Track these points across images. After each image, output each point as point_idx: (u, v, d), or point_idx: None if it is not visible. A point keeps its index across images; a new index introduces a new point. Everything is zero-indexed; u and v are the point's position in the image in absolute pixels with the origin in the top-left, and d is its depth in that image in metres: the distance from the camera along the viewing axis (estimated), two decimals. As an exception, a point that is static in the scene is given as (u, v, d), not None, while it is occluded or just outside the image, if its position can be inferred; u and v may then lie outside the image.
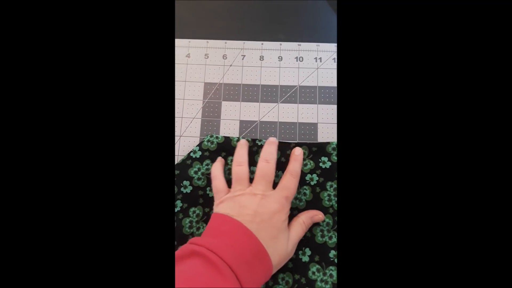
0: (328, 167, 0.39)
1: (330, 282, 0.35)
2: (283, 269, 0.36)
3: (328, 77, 0.43)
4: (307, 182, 0.38)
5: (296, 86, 0.42)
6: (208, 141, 0.40)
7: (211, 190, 0.38)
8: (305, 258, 0.36)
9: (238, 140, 0.40)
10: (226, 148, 0.40)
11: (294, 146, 0.39)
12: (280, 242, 0.32)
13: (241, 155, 0.37)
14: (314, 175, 0.38)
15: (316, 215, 0.36)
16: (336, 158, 0.39)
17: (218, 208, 0.34)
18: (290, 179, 0.35)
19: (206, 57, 0.44)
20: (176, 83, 0.43)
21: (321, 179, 0.38)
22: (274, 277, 0.36)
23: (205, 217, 0.38)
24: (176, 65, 0.43)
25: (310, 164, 0.39)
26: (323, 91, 0.42)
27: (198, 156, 0.39)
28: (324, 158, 0.39)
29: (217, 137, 0.40)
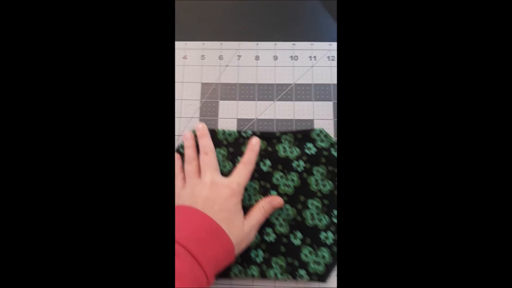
0: (313, 153, 0.40)
1: (322, 263, 0.36)
2: (276, 253, 0.37)
3: (323, 74, 0.43)
4: (294, 168, 0.39)
5: (291, 84, 0.43)
6: (195, 135, 0.40)
7: None
8: (297, 241, 0.37)
9: (223, 133, 0.41)
10: (212, 140, 0.40)
11: (279, 135, 0.40)
12: (234, 223, 0.34)
13: (189, 155, 0.38)
14: (301, 162, 0.39)
15: (275, 200, 0.37)
16: (321, 144, 0.40)
17: (175, 202, 0.36)
18: (242, 167, 0.37)
19: (203, 58, 0.45)
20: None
21: (308, 165, 0.39)
22: (268, 262, 0.37)
23: None
24: (173, 67, 0.44)
25: (296, 151, 0.40)
26: (318, 88, 0.43)
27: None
28: (309, 145, 0.40)
29: None
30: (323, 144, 0.40)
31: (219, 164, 0.39)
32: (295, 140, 0.40)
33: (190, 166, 0.38)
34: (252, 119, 0.42)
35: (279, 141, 0.40)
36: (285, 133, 0.41)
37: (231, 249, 0.33)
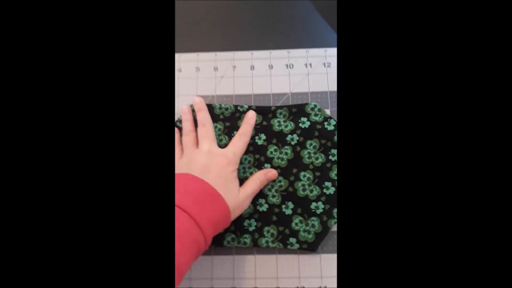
0: (307, 126, 0.41)
1: (312, 232, 0.37)
2: (268, 222, 0.38)
3: (319, 82, 0.43)
4: (288, 142, 0.40)
5: (288, 93, 0.43)
6: (193, 110, 0.41)
7: None
8: (288, 211, 0.38)
9: (220, 107, 0.42)
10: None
11: (275, 109, 0.41)
12: (230, 189, 0.35)
13: (187, 127, 0.39)
14: (295, 135, 0.40)
15: (270, 172, 0.39)
16: (315, 117, 0.41)
17: None
18: (238, 138, 0.38)
19: (197, 70, 0.44)
20: (169, 98, 0.43)
21: (301, 139, 0.40)
22: (260, 230, 0.38)
23: None
24: (168, 80, 0.44)
25: (291, 125, 0.41)
26: (315, 96, 0.42)
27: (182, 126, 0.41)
28: (304, 119, 0.41)
29: None
30: (316, 118, 0.41)
31: (216, 138, 0.40)
32: (290, 115, 0.41)
33: (187, 137, 0.39)
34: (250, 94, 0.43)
35: (274, 116, 0.41)
36: (280, 107, 0.42)
37: (228, 214, 0.33)
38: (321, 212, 0.38)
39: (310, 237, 0.37)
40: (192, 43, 0.45)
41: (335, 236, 0.38)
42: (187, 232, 0.29)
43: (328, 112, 0.42)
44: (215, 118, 0.41)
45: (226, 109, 0.42)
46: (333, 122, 0.40)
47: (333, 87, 0.43)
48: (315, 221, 0.38)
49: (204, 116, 0.39)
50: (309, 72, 0.44)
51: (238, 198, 0.35)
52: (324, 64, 0.44)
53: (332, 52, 0.44)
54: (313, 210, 0.38)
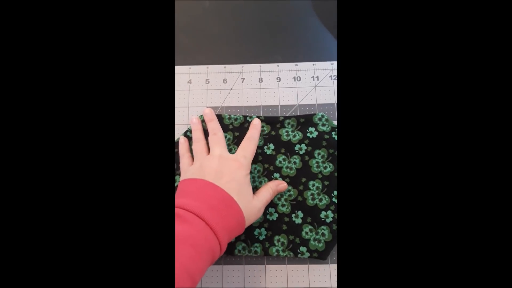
0: (315, 136, 0.41)
1: (322, 241, 0.38)
2: (278, 231, 0.38)
3: (326, 94, 0.44)
4: (296, 151, 0.41)
5: (295, 105, 0.44)
6: (202, 120, 0.42)
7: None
8: (298, 220, 0.39)
9: (229, 117, 0.43)
10: None
11: (283, 119, 0.42)
12: (243, 194, 0.34)
13: (197, 136, 0.40)
14: (303, 145, 0.41)
15: (281, 184, 0.39)
16: (322, 127, 0.42)
17: (183, 178, 0.37)
18: (247, 142, 0.39)
19: (207, 82, 0.45)
20: (179, 109, 0.44)
21: (309, 148, 0.41)
22: (270, 239, 0.38)
23: None
24: (178, 92, 0.45)
25: (299, 135, 0.42)
26: (322, 108, 0.43)
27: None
28: (311, 129, 0.42)
29: None
30: (324, 128, 0.41)
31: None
32: (298, 124, 0.42)
33: (198, 144, 0.39)
34: (258, 105, 0.44)
35: (282, 125, 0.42)
36: (288, 117, 0.42)
37: (242, 220, 0.33)
38: (330, 221, 0.38)
39: (321, 245, 0.38)
40: (202, 56, 0.47)
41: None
42: (204, 241, 0.29)
43: (335, 122, 0.42)
44: (224, 128, 0.42)
45: (236, 119, 0.43)
46: None
47: (340, 99, 0.44)
48: (325, 229, 0.38)
49: (214, 126, 0.40)
50: (316, 84, 0.45)
51: (252, 203, 0.35)
52: (331, 76, 0.45)
53: (338, 65, 0.45)
54: (322, 219, 0.38)
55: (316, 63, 0.46)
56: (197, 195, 0.32)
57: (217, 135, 0.39)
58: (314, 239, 0.38)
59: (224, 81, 0.45)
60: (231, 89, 0.45)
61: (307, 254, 0.37)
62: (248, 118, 0.43)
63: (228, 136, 0.42)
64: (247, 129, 0.42)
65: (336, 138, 0.41)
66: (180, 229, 0.29)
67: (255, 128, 0.40)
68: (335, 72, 0.45)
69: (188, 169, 0.37)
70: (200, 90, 0.45)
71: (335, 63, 0.45)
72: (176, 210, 0.30)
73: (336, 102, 0.44)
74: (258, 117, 0.42)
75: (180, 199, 0.33)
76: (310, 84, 0.45)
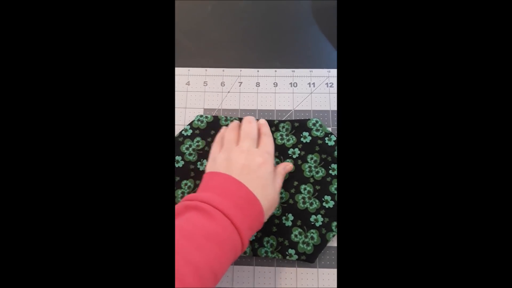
0: (308, 141, 0.42)
1: (311, 244, 0.38)
2: (268, 233, 0.39)
3: (322, 101, 0.45)
4: (290, 155, 0.42)
5: (291, 110, 0.45)
6: (199, 120, 0.44)
7: (201, 164, 0.42)
8: (288, 223, 0.39)
9: (226, 119, 0.43)
10: (215, 126, 0.43)
11: (278, 123, 0.43)
12: (267, 191, 0.35)
13: (233, 125, 0.41)
14: (296, 149, 0.42)
15: (287, 165, 0.40)
16: (316, 133, 0.42)
17: (210, 166, 0.38)
18: (266, 138, 0.39)
19: (205, 84, 0.46)
20: (177, 109, 0.45)
21: (302, 153, 0.42)
22: (260, 240, 0.38)
23: (196, 188, 0.41)
24: (176, 93, 0.46)
25: (293, 139, 0.42)
26: (317, 114, 0.44)
27: (189, 134, 0.43)
28: (305, 133, 0.43)
29: (206, 117, 0.44)
30: (318, 133, 0.42)
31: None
32: (292, 129, 0.43)
33: (231, 133, 0.40)
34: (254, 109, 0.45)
35: (277, 129, 0.43)
36: (283, 121, 0.43)
37: (262, 218, 0.34)
38: (320, 225, 0.39)
39: (309, 249, 0.38)
40: (202, 59, 0.47)
41: (334, 251, 0.39)
42: (229, 239, 0.30)
43: (329, 128, 0.43)
44: (220, 129, 0.43)
45: (232, 121, 0.43)
46: (333, 138, 0.42)
47: (335, 106, 0.44)
48: (314, 233, 0.39)
49: (250, 117, 0.41)
50: (312, 91, 0.45)
51: (274, 198, 0.36)
52: (327, 84, 0.46)
53: (335, 73, 0.46)
54: (312, 223, 0.39)
55: (313, 70, 0.46)
56: (222, 190, 0.33)
57: (252, 124, 0.40)
58: (303, 242, 0.38)
59: (222, 84, 0.46)
60: (229, 92, 0.46)
61: (295, 257, 0.38)
62: None
63: None
64: None
65: (329, 144, 0.42)
66: (207, 225, 0.29)
67: (266, 125, 0.41)
68: (331, 80, 0.46)
69: (216, 156, 0.38)
70: (198, 92, 0.46)
71: (332, 70, 0.46)
72: (201, 204, 0.31)
73: (331, 109, 0.44)
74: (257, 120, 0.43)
75: (204, 192, 0.33)
76: (306, 91, 0.45)
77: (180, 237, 0.28)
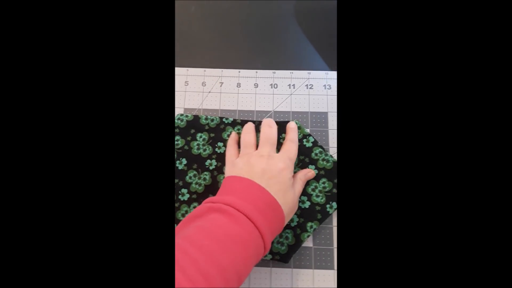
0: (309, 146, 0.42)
1: (285, 244, 0.38)
2: None
3: (301, 102, 0.45)
4: None
5: (271, 111, 0.45)
6: (179, 119, 0.44)
7: (180, 163, 0.42)
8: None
9: (206, 118, 0.44)
10: (195, 125, 0.44)
11: (258, 124, 0.43)
12: (288, 196, 0.35)
13: (248, 127, 0.41)
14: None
15: (309, 172, 0.40)
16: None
17: (230, 170, 0.37)
18: (291, 144, 0.40)
19: (186, 84, 0.46)
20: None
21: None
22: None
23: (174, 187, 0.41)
24: (157, 92, 0.46)
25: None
26: (296, 115, 0.45)
27: None
28: (284, 135, 0.42)
29: (186, 116, 0.44)
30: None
31: (200, 147, 0.42)
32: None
33: (248, 136, 0.40)
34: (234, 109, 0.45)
35: (257, 130, 0.43)
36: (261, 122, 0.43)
37: (283, 223, 0.34)
38: (295, 225, 0.39)
39: (283, 248, 0.38)
40: (183, 59, 0.48)
41: (308, 251, 0.39)
42: (254, 244, 0.30)
43: (307, 130, 0.43)
44: (200, 128, 0.43)
45: (212, 120, 0.44)
46: (311, 139, 0.42)
47: (314, 108, 0.45)
48: (288, 233, 0.39)
49: (270, 120, 0.41)
50: (292, 92, 0.46)
51: (294, 203, 0.36)
52: (307, 85, 0.46)
53: (315, 74, 0.47)
54: (287, 223, 0.39)
55: (294, 71, 0.47)
56: (245, 195, 0.33)
57: (272, 128, 0.40)
58: (278, 242, 0.39)
59: (203, 84, 0.46)
60: (209, 92, 0.46)
61: (269, 256, 0.38)
62: (224, 120, 0.44)
63: (204, 136, 0.43)
64: (223, 130, 0.43)
65: (307, 146, 0.42)
66: (231, 228, 0.30)
67: (294, 131, 0.41)
68: (311, 81, 0.46)
69: (236, 161, 0.37)
70: (179, 92, 0.46)
71: (312, 72, 0.47)
72: (225, 207, 0.31)
73: (310, 110, 0.45)
74: (235, 120, 0.44)
75: (226, 196, 0.33)
76: (286, 92, 0.46)
77: (203, 237, 0.28)
